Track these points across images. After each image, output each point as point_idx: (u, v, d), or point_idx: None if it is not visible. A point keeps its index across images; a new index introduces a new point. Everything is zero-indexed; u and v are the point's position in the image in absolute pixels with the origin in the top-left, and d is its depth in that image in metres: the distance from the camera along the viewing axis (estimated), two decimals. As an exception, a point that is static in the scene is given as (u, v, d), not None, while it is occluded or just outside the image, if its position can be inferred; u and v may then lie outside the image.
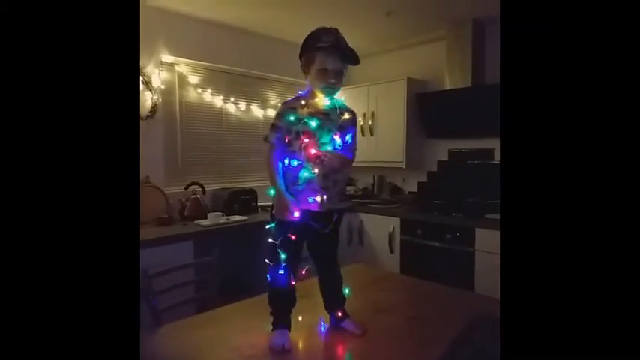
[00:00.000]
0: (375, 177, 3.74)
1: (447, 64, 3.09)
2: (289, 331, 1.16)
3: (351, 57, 1.17)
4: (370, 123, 3.47)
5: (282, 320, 1.17)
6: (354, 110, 1.27)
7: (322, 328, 1.26)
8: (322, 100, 1.19)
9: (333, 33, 1.16)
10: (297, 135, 1.15)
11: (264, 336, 1.15)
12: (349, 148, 1.23)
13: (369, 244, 3.26)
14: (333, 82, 1.16)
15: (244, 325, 1.27)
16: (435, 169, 3.41)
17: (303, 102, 1.17)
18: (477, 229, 2.60)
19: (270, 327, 1.17)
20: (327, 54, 1.14)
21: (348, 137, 1.21)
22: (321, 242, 1.25)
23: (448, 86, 3.08)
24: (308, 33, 1.19)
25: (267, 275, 1.19)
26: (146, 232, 2.32)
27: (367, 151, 3.49)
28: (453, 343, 1.11)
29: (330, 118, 1.18)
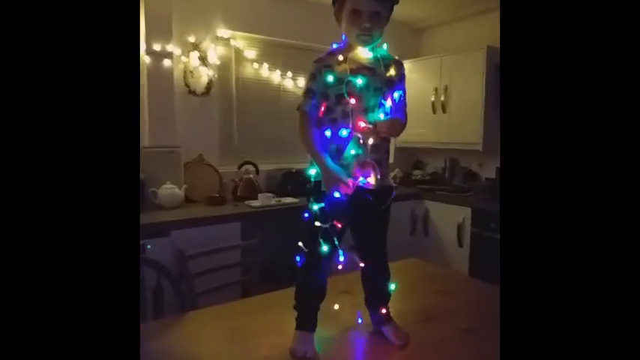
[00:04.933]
0: (447, 160, 3.38)
1: (539, 28, 2.61)
2: (314, 332, 1.02)
3: None
4: (442, 99, 3.10)
5: (307, 320, 1.03)
6: (403, 63, 1.07)
7: (356, 333, 1.10)
8: (363, 53, 1.01)
9: None
10: (339, 99, 0.97)
11: (290, 335, 1.02)
12: (400, 108, 1.02)
13: (435, 235, 2.96)
14: (367, 26, 0.96)
15: (274, 319, 1.16)
16: (518, 152, 2.96)
17: (340, 57, 0.99)
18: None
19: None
20: None
21: (396, 95, 1.01)
22: (370, 226, 1.06)
23: (538, 54, 2.60)
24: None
25: (297, 263, 1.03)
26: (195, 211, 2.30)
27: (438, 131, 3.15)
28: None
29: (375, 74, 0.99)
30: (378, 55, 1.02)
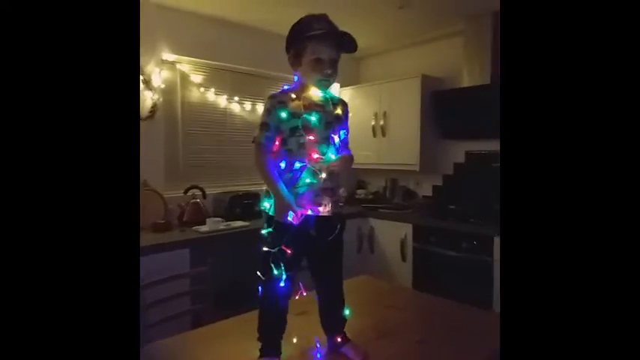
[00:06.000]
0: (387, 180, 3.57)
1: (465, 61, 2.90)
2: (279, 358, 1.04)
3: (347, 44, 1.05)
4: (382, 123, 3.30)
5: (271, 347, 1.04)
6: (347, 103, 1.17)
7: (317, 353, 1.12)
8: (315, 92, 1.08)
9: (325, 19, 1.06)
10: (293, 132, 1.03)
11: None
12: (346, 144, 1.12)
13: (380, 251, 3.09)
14: (329, 72, 1.04)
15: (233, 348, 1.14)
16: (450, 172, 3.21)
17: (293, 95, 1.06)
18: (495, 238, 2.41)
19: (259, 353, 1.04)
20: (321, 42, 1.03)
21: (342, 133, 1.11)
22: (324, 255, 1.11)
23: (466, 84, 2.88)
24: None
25: (259, 291, 1.06)
26: (140, 238, 2.20)
27: (379, 153, 3.33)
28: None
29: (325, 111, 1.07)
30: (327, 96, 1.10)
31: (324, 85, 1.07)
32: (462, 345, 1.15)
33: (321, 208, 1.04)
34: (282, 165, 1.04)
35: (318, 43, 1.03)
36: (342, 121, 1.10)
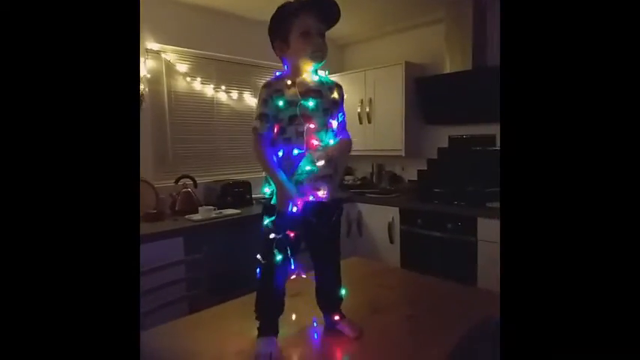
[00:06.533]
0: (374, 166, 3.64)
1: (447, 47, 2.96)
2: (276, 336, 1.08)
3: (334, 14, 1.06)
4: (367, 110, 3.35)
5: (269, 327, 1.08)
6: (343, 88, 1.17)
7: (314, 331, 1.17)
8: (310, 77, 1.07)
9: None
10: (291, 120, 1.02)
11: (252, 341, 1.07)
12: (344, 128, 1.12)
13: (369, 235, 3.18)
14: (320, 42, 1.04)
15: (231, 329, 1.19)
16: (435, 156, 3.31)
17: (289, 81, 1.04)
18: (478, 218, 2.51)
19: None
20: (307, 13, 1.03)
21: (340, 116, 1.11)
22: (323, 238, 1.13)
23: (448, 70, 2.95)
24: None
25: (257, 274, 1.09)
26: (134, 229, 2.22)
27: (365, 139, 3.39)
28: (452, 351, 1.03)
29: (322, 96, 1.06)
30: (322, 80, 1.08)
31: (318, 58, 1.05)
32: (449, 318, 1.22)
33: (320, 193, 1.05)
34: (280, 153, 1.04)
35: (304, 16, 1.03)
36: (338, 106, 1.09)
